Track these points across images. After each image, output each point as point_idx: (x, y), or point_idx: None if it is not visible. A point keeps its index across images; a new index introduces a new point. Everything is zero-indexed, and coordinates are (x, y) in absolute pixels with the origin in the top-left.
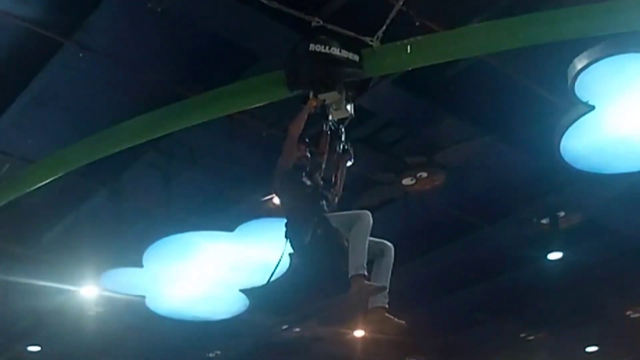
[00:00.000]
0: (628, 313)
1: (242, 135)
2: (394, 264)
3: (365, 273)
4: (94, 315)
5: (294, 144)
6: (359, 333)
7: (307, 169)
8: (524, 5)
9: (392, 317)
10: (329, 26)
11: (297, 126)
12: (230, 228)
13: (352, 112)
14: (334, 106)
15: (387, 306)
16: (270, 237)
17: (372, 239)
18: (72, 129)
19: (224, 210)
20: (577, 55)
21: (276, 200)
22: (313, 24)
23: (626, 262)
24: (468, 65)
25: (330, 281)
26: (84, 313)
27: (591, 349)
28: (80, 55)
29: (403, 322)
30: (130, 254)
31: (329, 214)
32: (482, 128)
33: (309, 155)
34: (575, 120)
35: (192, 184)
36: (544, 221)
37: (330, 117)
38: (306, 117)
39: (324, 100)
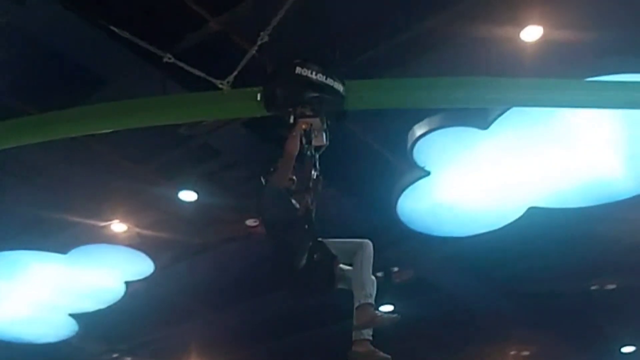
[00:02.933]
0: None
1: (83, 158)
2: (237, 300)
3: (373, 302)
4: None
5: (290, 163)
6: None
7: (293, 191)
8: (379, 69)
9: (377, 350)
10: (181, 63)
11: (294, 146)
12: (63, 250)
13: (327, 141)
14: (315, 132)
15: (371, 338)
16: (104, 263)
17: (344, 240)
18: None
19: (58, 231)
20: (418, 122)
21: (116, 227)
22: (165, 59)
23: (450, 319)
24: None
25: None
26: None
27: None
28: None
29: (389, 356)
30: None
31: (326, 240)
32: (324, 180)
33: (294, 178)
34: (412, 183)
35: (26, 202)
36: (379, 274)
37: (312, 143)
38: (299, 137)
39: (311, 125)
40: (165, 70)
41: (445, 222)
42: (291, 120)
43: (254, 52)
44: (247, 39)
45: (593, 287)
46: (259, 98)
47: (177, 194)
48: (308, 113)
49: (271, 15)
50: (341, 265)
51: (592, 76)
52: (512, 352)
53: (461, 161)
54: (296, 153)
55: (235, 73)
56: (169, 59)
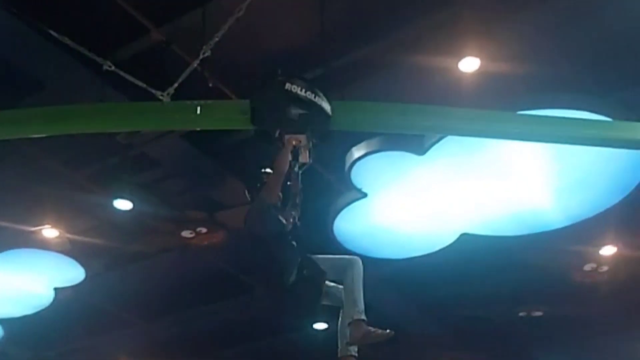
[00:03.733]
0: None
1: (15, 161)
2: (169, 312)
3: (365, 318)
4: None
5: (281, 179)
6: None
7: (279, 207)
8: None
9: (374, 328)
10: (120, 72)
11: (285, 162)
12: None
13: (311, 159)
14: (301, 150)
15: (357, 355)
16: (33, 268)
17: (332, 256)
18: None
19: None
20: (356, 143)
21: (48, 232)
22: (104, 67)
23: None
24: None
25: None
26: None
27: None
28: None
29: (387, 330)
30: None
31: (314, 256)
32: None
33: (281, 195)
34: (349, 204)
35: None
36: None
37: (300, 159)
38: (289, 154)
39: (300, 141)
40: (105, 77)
41: (380, 244)
42: (276, 135)
43: (195, 65)
44: (190, 52)
45: (521, 314)
46: (198, 111)
47: (112, 202)
48: (294, 129)
49: (215, 29)
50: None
51: (524, 109)
52: None
53: (398, 185)
54: (286, 169)
55: (175, 85)
56: (109, 66)
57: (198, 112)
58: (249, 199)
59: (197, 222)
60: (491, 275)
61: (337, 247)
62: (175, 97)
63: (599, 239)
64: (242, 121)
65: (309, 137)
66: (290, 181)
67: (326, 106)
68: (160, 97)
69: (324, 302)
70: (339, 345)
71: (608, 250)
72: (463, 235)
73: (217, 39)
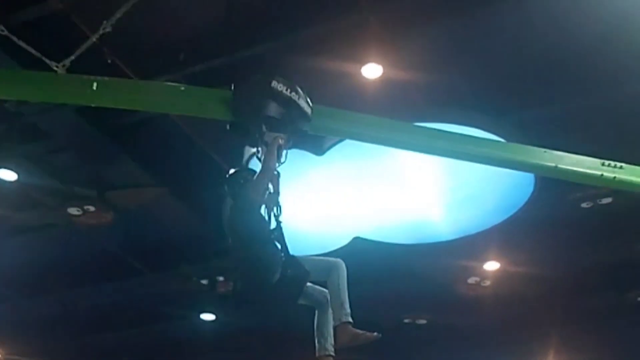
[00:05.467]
0: None
1: None
2: (51, 289)
3: (352, 320)
4: None
5: (269, 177)
6: None
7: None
8: (218, 81)
9: (361, 331)
10: (14, 38)
11: (274, 160)
12: None
13: (285, 159)
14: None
15: (351, 320)
16: None
17: (315, 257)
18: None
19: None
20: None
21: None
22: None
23: (270, 334)
24: (153, 116)
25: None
26: None
27: None
28: None
29: (375, 333)
30: None
31: (298, 256)
32: (158, 179)
33: (264, 194)
34: None
35: None
36: (204, 282)
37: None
38: (276, 152)
39: (284, 141)
40: None
41: None
42: (260, 132)
43: (94, 39)
44: (91, 25)
45: (406, 320)
46: (94, 87)
47: None
48: (273, 127)
49: (118, 5)
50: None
51: (423, 121)
52: None
53: (294, 183)
54: (274, 168)
55: (72, 57)
56: (2, 30)
57: (94, 88)
58: (230, 197)
59: (85, 200)
60: (380, 280)
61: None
62: (71, 70)
63: (483, 254)
64: (220, 111)
65: (287, 137)
66: (272, 181)
67: (307, 109)
68: (55, 68)
69: (300, 302)
70: (317, 345)
71: (491, 266)
72: (356, 238)
73: (119, 16)
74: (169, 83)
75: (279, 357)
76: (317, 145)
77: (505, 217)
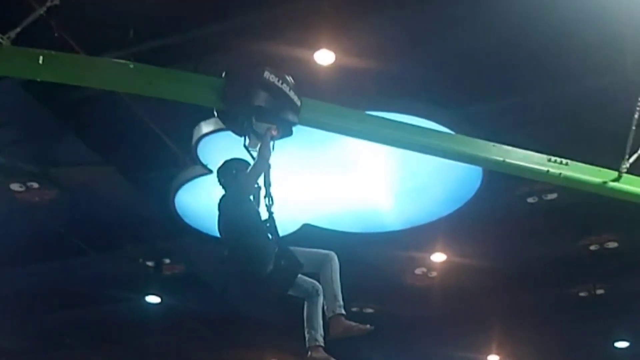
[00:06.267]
0: None
1: None
2: None
3: (345, 312)
4: None
5: (263, 169)
6: None
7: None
8: (168, 59)
9: (331, 356)
10: None
11: (268, 152)
12: None
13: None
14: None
15: (344, 312)
16: None
17: (308, 249)
18: None
19: None
20: (206, 118)
21: None
22: None
23: (217, 319)
24: (101, 93)
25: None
26: None
27: None
28: None
29: (367, 325)
30: None
31: (291, 247)
32: (104, 157)
33: (257, 185)
34: (192, 178)
35: None
36: (150, 263)
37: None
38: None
39: (277, 132)
40: None
41: None
42: (250, 122)
43: (42, 12)
44: None
45: (354, 309)
46: (40, 61)
47: None
48: (263, 118)
49: None
50: None
51: (374, 110)
52: None
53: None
54: (270, 159)
55: (18, 30)
56: None
57: (40, 61)
58: (222, 187)
59: (28, 176)
60: None
61: (177, 221)
62: (17, 43)
63: (431, 246)
64: (209, 99)
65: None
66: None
67: (297, 102)
68: (0, 40)
69: (290, 293)
70: (307, 335)
71: (438, 257)
72: (305, 225)
73: None
74: (117, 60)
75: (225, 341)
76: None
77: (452, 209)
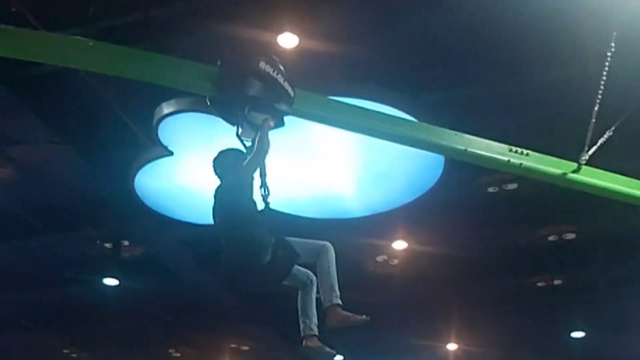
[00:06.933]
0: (171, 351)
1: None
2: None
3: (341, 303)
4: None
5: (263, 159)
6: None
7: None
8: (128, 38)
9: (324, 345)
10: None
11: (268, 143)
12: None
13: None
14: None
15: (341, 302)
16: None
17: (304, 240)
18: None
19: None
20: (168, 99)
21: None
22: None
23: (176, 303)
24: (60, 71)
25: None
26: None
27: None
28: None
29: (334, 351)
30: None
31: (288, 238)
32: (62, 136)
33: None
34: (153, 160)
35: None
36: (107, 245)
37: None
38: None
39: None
40: None
41: (182, 206)
42: (244, 111)
43: None
44: None
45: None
46: None
47: None
48: (256, 107)
49: None
50: None
51: (338, 95)
52: (232, 345)
53: (206, 149)
54: (269, 150)
55: None
56: None
57: None
58: (218, 177)
59: None
60: None
61: (137, 203)
62: None
63: (392, 233)
64: (203, 86)
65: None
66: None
67: (291, 93)
68: None
69: (284, 283)
70: (301, 325)
71: (400, 245)
72: (265, 210)
73: None
74: (77, 37)
75: (184, 325)
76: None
77: (414, 197)
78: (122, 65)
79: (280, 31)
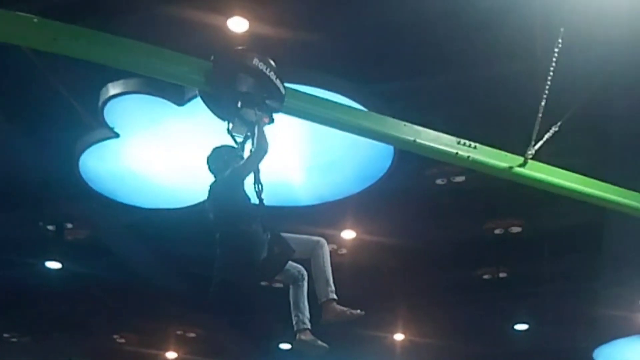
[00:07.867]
0: (115, 337)
1: None
2: None
3: (336, 297)
4: None
5: (262, 158)
6: None
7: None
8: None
9: (317, 339)
10: None
11: (266, 140)
12: None
13: None
14: None
15: (336, 297)
16: None
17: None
18: None
19: None
20: (113, 80)
21: None
22: None
23: (121, 288)
24: (3, 47)
25: None
26: None
27: None
28: None
29: (327, 345)
30: None
31: (283, 234)
32: (5, 114)
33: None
34: (98, 141)
35: None
36: (50, 227)
37: None
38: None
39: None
40: None
41: (129, 189)
42: (231, 105)
43: None
44: None
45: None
46: None
47: None
48: (248, 103)
49: None
50: None
51: (286, 82)
52: (179, 332)
53: (153, 131)
54: (268, 148)
55: None
56: None
57: None
58: (212, 173)
59: None
60: None
61: (81, 185)
62: None
63: (341, 222)
64: (196, 80)
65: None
66: None
67: (282, 89)
68: None
69: (276, 278)
70: (294, 319)
71: (348, 234)
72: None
73: None
74: (20, 13)
75: (128, 310)
76: (177, 94)
77: (363, 187)
78: (65, 44)
79: (230, 15)
